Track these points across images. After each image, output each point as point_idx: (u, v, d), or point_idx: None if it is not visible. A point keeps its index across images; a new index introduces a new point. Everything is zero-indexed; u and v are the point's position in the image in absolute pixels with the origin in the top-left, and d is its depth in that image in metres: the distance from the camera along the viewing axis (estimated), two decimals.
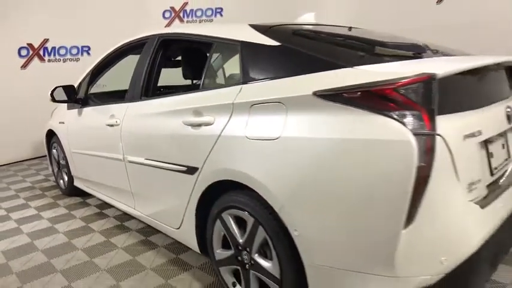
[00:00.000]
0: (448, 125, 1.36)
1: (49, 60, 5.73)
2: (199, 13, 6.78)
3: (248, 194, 1.74)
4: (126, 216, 3.23)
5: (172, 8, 6.57)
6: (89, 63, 5.96)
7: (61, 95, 3.17)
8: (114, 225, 3.14)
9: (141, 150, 2.45)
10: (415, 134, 1.29)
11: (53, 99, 3.17)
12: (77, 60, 6.01)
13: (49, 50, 5.71)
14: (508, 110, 1.72)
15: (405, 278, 1.36)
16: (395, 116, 1.32)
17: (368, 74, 1.42)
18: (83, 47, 6.06)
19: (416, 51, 1.67)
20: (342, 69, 1.51)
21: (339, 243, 1.47)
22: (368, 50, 1.71)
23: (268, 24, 2.02)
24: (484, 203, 1.48)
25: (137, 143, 2.49)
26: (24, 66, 5.48)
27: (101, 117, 2.85)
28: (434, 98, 1.32)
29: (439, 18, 4.64)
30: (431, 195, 1.31)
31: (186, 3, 6.61)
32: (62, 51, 5.86)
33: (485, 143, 1.66)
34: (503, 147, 1.86)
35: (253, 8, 6.11)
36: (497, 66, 1.74)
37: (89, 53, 6.12)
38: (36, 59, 5.59)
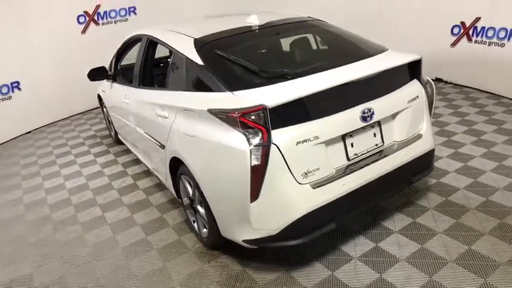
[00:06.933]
0: (283, 136, 2.06)
1: (103, 24, 6.75)
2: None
3: (187, 167, 2.61)
4: None
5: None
6: (136, 21, 6.89)
7: (96, 74, 4.16)
8: (142, 170, 4.28)
9: (141, 125, 3.41)
10: (253, 145, 2.01)
11: (90, 79, 4.19)
12: (126, 20, 6.97)
13: (102, 14, 6.71)
14: (365, 112, 2.28)
15: (258, 229, 2.20)
16: (243, 132, 2.06)
17: (235, 100, 2.13)
18: (129, 7, 6.97)
19: (287, 74, 2.27)
20: (227, 92, 2.23)
21: (225, 206, 2.33)
22: (253, 72, 2.35)
23: (204, 40, 2.68)
24: (319, 184, 2.18)
25: (138, 120, 3.45)
26: (83, 31, 6.59)
27: (121, 95, 3.84)
28: (267, 121, 2.01)
29: None
30: (268, 182, 2.08)
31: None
32: (113, 14, 6.83)
33: (343, 138, 2.30)
34: (375, 136, 2.45)
35: None
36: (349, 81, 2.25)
37: (135, 13, 7.03)
38: (92, 24, 6.65)
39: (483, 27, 5.06)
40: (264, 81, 2.26)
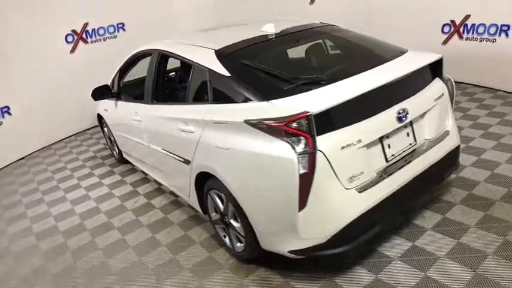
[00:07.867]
0: (327, 142, 2.04)
1: (92, 42, 6.60)
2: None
3: (219, 181, 2.55)
4: None
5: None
6: (125, 38, 6.80)
7: (100, 93, 4.06)
8: (154, 188, 4.17)
9: (158, 142, 3.33)
10: (299, 153, 1.99)
11: (94, 98, 4.08)
12: (115, 37, 6.84)
13: (90, 32, 6.57)
14: (400, 112, 2.30)
15: (306, 238, 2.16)
16: (287, 141, 2.03)
17: (274, 109, 2.10)
18: (118, 24, 6.85)
19: (321, 80, 2.27)
20: (262, 102, 2.20)
21: (268, 218, 2.29)
22: (285, 80, 2.33)
23: (226, 51, 2.65)
24: (364, 188, 2.17)
25: (154, 137, 3.37)
26: (72, 50, 6.44)
27: (130, 113, 3.75)
28: (312, 127, 1.99)
29: None
30: (316, 189, 2.05)
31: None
32: (101, 32, 6.69)
33: (381, 140, 2.30)
34: (408, 135, 2.47)
35: None
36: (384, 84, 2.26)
37: (124, 29, 6.91)
38: (81, 43, 6.49)
39: (473, 24, 5.22)
40: (299, 88, 2.24)
